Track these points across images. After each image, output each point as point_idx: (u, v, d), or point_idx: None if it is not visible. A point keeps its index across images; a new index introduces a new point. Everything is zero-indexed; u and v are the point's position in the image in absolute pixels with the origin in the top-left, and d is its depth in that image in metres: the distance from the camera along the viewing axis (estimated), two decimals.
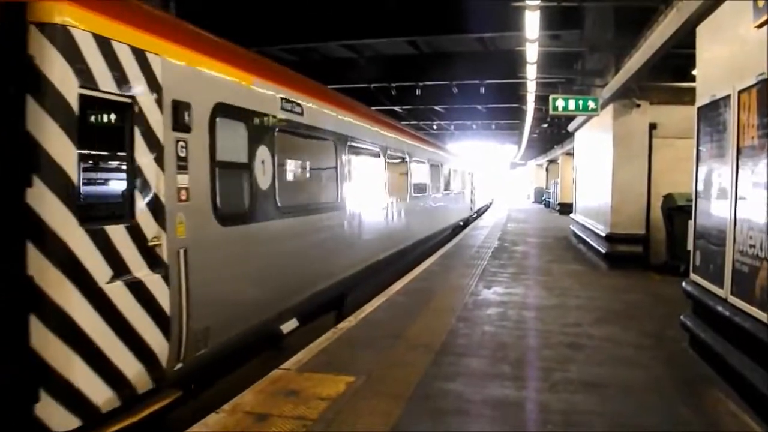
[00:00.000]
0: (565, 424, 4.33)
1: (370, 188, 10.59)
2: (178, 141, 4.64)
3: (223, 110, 5.31)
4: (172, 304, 4.48)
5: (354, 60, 20.54)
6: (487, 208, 38.65)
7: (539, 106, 19.21)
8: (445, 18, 15.18)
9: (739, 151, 4.86)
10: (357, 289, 9.19)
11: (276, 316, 6.32)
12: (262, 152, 6.05)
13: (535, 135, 32.89)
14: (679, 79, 11.19)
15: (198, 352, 4.83)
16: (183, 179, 4.70)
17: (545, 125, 28.30)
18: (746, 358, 4.56)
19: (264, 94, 6.20)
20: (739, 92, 4.85)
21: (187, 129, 4.74)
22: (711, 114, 5.63)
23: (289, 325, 6.58)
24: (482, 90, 22.05)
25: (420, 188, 15.00)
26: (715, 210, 5.55)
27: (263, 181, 6.06)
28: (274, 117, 6.37)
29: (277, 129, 6.42)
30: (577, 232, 16.71)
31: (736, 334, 4.81)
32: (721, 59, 5.62)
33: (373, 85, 22.28)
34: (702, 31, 6.14)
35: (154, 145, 4.37)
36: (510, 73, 17.45)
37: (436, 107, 29.96)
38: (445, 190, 18.78)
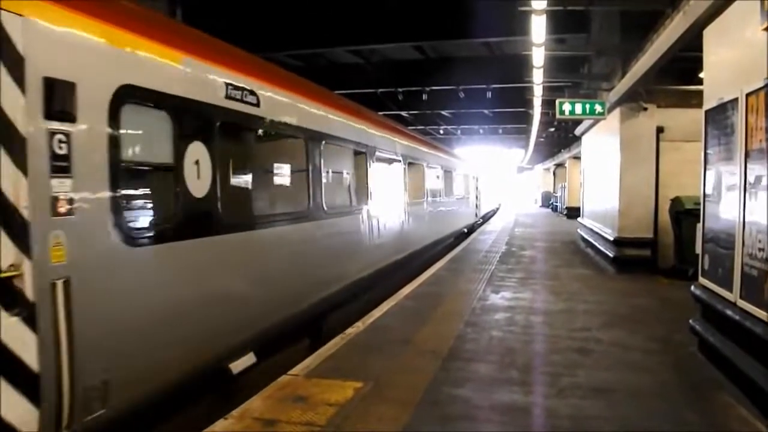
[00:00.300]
0: (573, 430, 4.32)
1: (353, 195, 9.37)
2: (53, 134, 3.46)
3: (132, 95, 4.12)
4: (43, 356, 3.34)
5: (360, 65, 20.57)
6: (494, 213, 38.34)
7: (546, 110, 19.18)
8: (451, 23, 15.20)
9: (747, 154, 4.84)
10: (339, 311, 8.00)
11: (222, 354, 5.16)
12: (197, 151, 4.80)
13: (542, 139, 32.83)
14: (686, 83, 11.17)
15: (93, 414, 3.70)
16: (62, 185, 3.52)
17: (552, 129, 28.25)
18: (756, 362, 4.53)
19: (199, 77, 4.95)
20: (747, 95, 4.84)
21: (69, 118, 3.56)
22: (718, 117, 5.62)
23: (243, 362, 5.37)
24: (489, 94, 22.04)
25: (417, 194, 13.70)
26: (723, 213, 5.53)
27: (198, 187, 4.80)
28: (216, 106, 5.12)
29: (219, 122, 5.16)
30: (585, 236, 16.67)
31: (745, 338, 4.78)
32: (729, 62, 5.60)
33: (379, 90, 22.31)
34: (709, 34, 6.13)
35: (10, 139, 3.24)
36: (516, 78, 17.43)
37: (443, 112, 29.94)
38: (446, 196, 17.81)
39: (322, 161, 7.44)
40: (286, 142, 6.96)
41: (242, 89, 5.52)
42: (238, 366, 5.28)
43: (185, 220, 4.71)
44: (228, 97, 5.30)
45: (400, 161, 12.07)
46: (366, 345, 6.45)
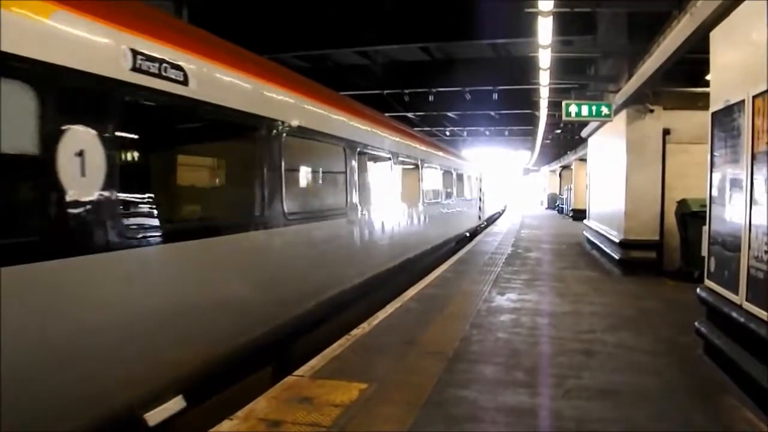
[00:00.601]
0: (578, 431, 4.32)
1: (327, 198, 8.18)
2: None
3: None
4: None
5: (366, 66, 20.59)
6: (499, 215, 37.95)
7: (552, 111, 19.18)
8: (457, 24, 15.19)
9: (753, 157, 4.83)
10: (313, 332, 6.77)
11: (135, 401, 4.01)
12: (82, 139, 3.54)
13: (548, 141, 32.83)
14: (693, 85, 11.16)
15: None
16: None
17: (558, 131, 28.27)
18: (761, 365, 4.53)
19: (83, 39, 3.62)
20: (754, 97, 4.83)
21: None
22: (725, 119, 5.61)
23: (165, 410, 4.21)
24: (495, 96, 22.01)
25: (411, 196, 12.35)
26: (729, 216, 5.52)
27: (82, 187, 3.55)
28: (114, 81, 3.84)
29: (122, 102, 3.92)
30: (591, 239, 16.63)
31: (751, 341, 4.78)
32: (735, 64, 5.59)
33: (385, 91, 22.32)
34: (716, 36, 6.12)
35: None
36: (523, 79, 17.45)
37: (449, 113, 29.94)
38: (446, 198, 16.70)
39: (282, 157, 6.16)
40: (230, 132, 5.67)
41: (161, 61, 4.27)
42: (156, 416, 4.13)
43: (58, 230, 3.50)
44: (136, 69, 4.04)
45: (389, 159, 10.74)
46: (371, 346, 6.46)
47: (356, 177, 8.50)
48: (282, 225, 6.12)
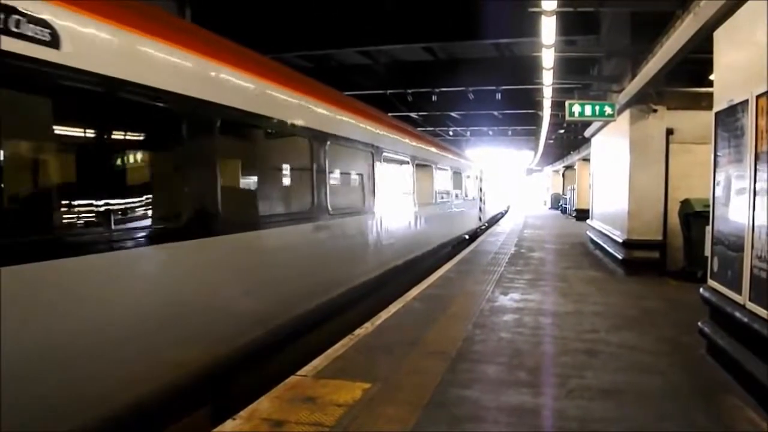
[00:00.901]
0: (581, 431, 4.32)
1: (288, 200, 7.05)
2: None
3: None
4: None
5: (369, 66, 20.60)
6: (502, 215, 37.59)
7: (555, 111, 19.15)
8: (460, 24, 15.19)
9: (757, 157, 4.83)
10: (263, 363, 5.65)
11: None
12: None
13: (552, 141, 32.77)
14: (696, 84, 11.16)
15: None
16: None
17: (561, 131, 28.20)
18: (764, 365, 4.52)
19: None
20: (757, 97, 4.83)
21: None
22: (728, 119, 5.60)
23: None
24: (498, 96, 21.97)
25: (399, 196, 11.31)
26: (732, 216, 5.51)
27: None
28: None
29: None
30: (594, 239, 16.62)
31: (754, 341, 4.77)
32: (739, 64, 5.58)
33: (389, 91, 22.32)
34: (719, 36, 6.11)
35: None
36: (526, 79, 17.45)
37: (452, 113, 29.92)
38: (442, 198, 15.51)
39: (219, 150, 5.04)
40: (131, 114, 4.21)
41: (8, 11, 3.10)
42: None
43: None
44: None
45: (371, 155, 9.47)
46: (374, 346, 6.46)
47: (326, 175, 7.35)
48: (217, 233, 4.98)
